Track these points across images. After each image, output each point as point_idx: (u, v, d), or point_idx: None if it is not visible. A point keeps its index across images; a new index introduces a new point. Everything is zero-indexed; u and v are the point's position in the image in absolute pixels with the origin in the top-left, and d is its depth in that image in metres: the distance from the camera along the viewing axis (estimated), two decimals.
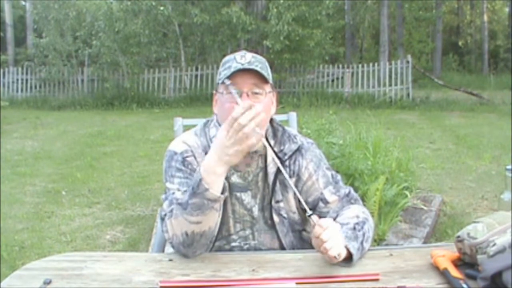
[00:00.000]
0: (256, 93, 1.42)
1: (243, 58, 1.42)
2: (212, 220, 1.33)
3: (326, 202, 1.47)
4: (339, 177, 1.54)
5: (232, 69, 1.40)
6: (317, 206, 1.47)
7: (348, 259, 1.27)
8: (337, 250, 1.22)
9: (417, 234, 3.47)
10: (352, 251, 1.27)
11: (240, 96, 1.39)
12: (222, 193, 1.31)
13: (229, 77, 1.40)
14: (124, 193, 4.99)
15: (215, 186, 1.29)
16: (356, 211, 1.42)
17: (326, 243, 1.20)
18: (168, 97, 12.69)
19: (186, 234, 1.32)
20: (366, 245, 1.35)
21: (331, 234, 1.22)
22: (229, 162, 1.29)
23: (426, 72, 14.93)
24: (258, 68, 1.41)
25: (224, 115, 1.43)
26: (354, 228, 1.33)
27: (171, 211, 1.36)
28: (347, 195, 1.50)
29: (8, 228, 3.99)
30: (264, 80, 1.42)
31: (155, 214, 4.16)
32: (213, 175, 1.28)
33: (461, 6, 23.36)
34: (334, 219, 1.39)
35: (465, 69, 19.63)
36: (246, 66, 1.40)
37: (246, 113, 1.24)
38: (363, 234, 1.34)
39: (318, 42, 12.26)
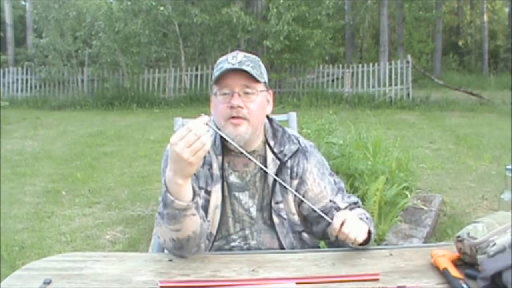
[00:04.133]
0: (248, 93, 1.42)
1: (235, 58, 1.42)
2: (192, 225, 1.30)
3: (339, 209, 1.50)
4: (342, 184, 1.56)
5: (221, 70, 1.40)
6: (329, 213, 1.48)
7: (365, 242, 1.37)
8: (362, 237, 1.33)
9: (417, 234, 3.46)
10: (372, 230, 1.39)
11: (232, 95, 1.40)
12: (194, 198, 1.28)
13: (219, 78, 1.41)
14: (124, 193, 4.99)
15: (181, 196, 1.25)
16: (361, 212, 1.49)
17: (350, 234, 1.30)
18: (168, 97, 12.69)
19: (173, 240, 1.32)
20: (372, 237, 1.43)
21: (351, 224, 1.32)
22: (186, 174, 1.23)
23: (426, 72, 14.92)
24: (248, 68, 1.40)
25: (218, 116, 1.43)
26: (361, 219, 1.41)
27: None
28: (355, 203, 1.55)
29: (8, 228, 3.99)
30: (255, 79, 1.41)
31: (155, 214, 4.15)
32: (175, 185, 1.24)
33: (461, 6, 23.36)
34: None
35: (465, 69, 19.63)
36: (236, 66, 1.39)
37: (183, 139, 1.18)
38: (371, 226, 1.43)
39: (318, 42, 12.26)
